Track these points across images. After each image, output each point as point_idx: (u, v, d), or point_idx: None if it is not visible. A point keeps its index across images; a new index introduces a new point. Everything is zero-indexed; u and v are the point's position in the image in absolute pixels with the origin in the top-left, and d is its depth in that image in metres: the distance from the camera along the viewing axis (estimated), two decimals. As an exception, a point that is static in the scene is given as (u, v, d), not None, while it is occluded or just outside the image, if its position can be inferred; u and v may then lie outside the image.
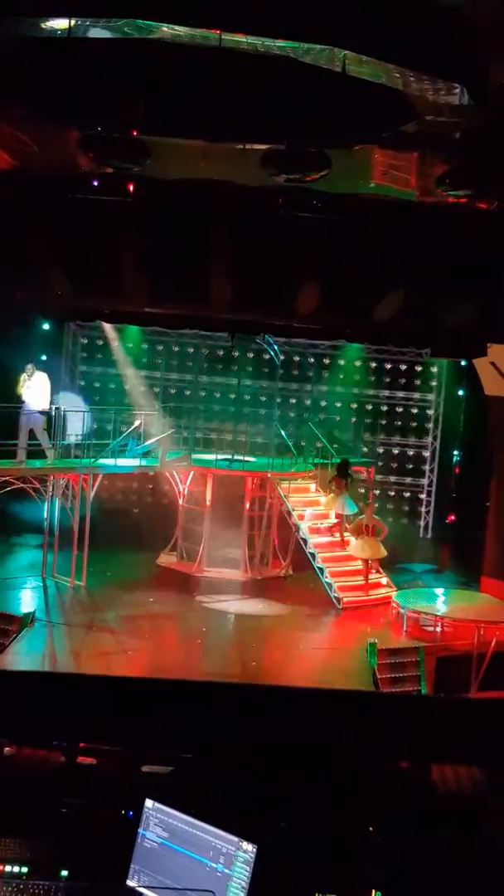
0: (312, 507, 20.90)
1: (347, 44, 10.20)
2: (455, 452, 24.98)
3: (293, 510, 20.25)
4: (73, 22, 10.34)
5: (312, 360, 25.52)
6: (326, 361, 25.52)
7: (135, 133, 12.20)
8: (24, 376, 19.09)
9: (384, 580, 19.78)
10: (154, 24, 10.41)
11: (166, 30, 10.83)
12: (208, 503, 20.67)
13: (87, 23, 10.75)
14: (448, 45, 10.02)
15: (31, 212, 14.73)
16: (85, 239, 15.00)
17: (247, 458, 21.96)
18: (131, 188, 13.98)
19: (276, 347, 23.38)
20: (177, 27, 10.66)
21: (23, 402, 18.96)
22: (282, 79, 11.19)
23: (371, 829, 5.32)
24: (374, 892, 4.95)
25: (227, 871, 4.81)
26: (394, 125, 11.83)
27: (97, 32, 11.14)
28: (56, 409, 20.17)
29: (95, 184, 13.96)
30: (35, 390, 19.12)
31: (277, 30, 10.28)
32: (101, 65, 11.14)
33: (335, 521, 20.50)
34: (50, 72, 11.15)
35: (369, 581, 19.40)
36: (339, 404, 25.52)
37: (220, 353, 25.01)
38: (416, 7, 9.86)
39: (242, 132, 12.28)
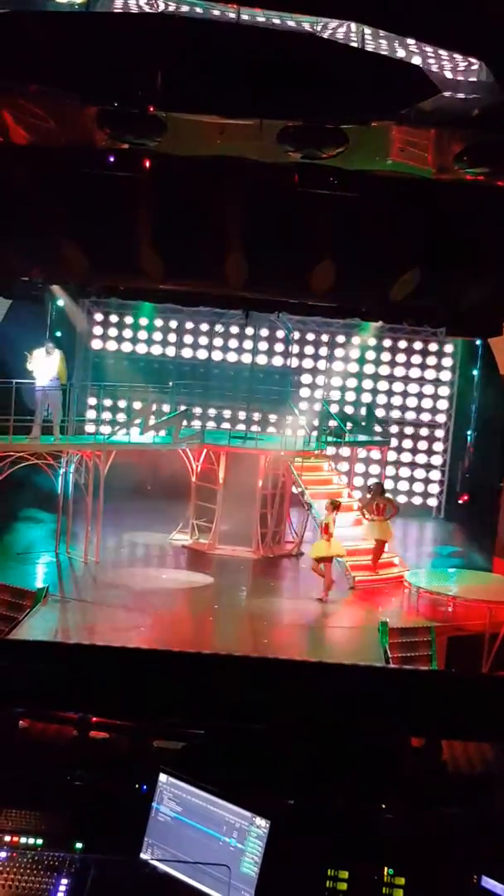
0: (325, 485, 20.88)
1: (365, 18, 10.11)
2: (469, 432, 24.94)
3: (306, 489, 20.23)
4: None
5: (327, 338, 25.47)
6: (341, 340, 25.48)
7: (151, 109, 12.13)
8: (37, 352, 19.07)
9: (396, 559, 19.76)
10: (171, -1, 10.38)
11: (183, 3, 10.77)
12: (221, 481, 20.67)
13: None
14: (467, 20, 9.92)
15: (48, 188, 14.71)
16: (101, 215, 14.97)
17: (260, 436, 21.95)
18: (147, 164, 13.93)
19: (289, 325, 23.34)
20: (194, 1, 10.60)
21: (33, 377, 18.94)
22: (299, 54, 11.11)
23: (383, 805, 5.35)
24: (386, 868, 4.97)
25: (240, 845, 4.84)
26: (411, 101, 11.73)
27: (114, 6, 11.09)
28: (70, 385, 20.19)
29: (111, 159, 13.91)
30: (53, 367, 19.12)
31: (295, 4, 10.19)
32: (118, 40, 11.08)
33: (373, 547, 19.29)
34: (66, 47, 11.09)
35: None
36: (353, 383, 25.48)
37: (234, 330, 24.97)
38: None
39: (259, 108, 12.20)
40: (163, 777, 5.17)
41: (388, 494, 19.81)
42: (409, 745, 6.60)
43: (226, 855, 4.85)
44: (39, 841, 5.22)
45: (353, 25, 10.42)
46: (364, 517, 19.31)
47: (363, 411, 24.90)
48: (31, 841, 5.22)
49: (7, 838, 5.23)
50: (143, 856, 5.07)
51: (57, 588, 16.91)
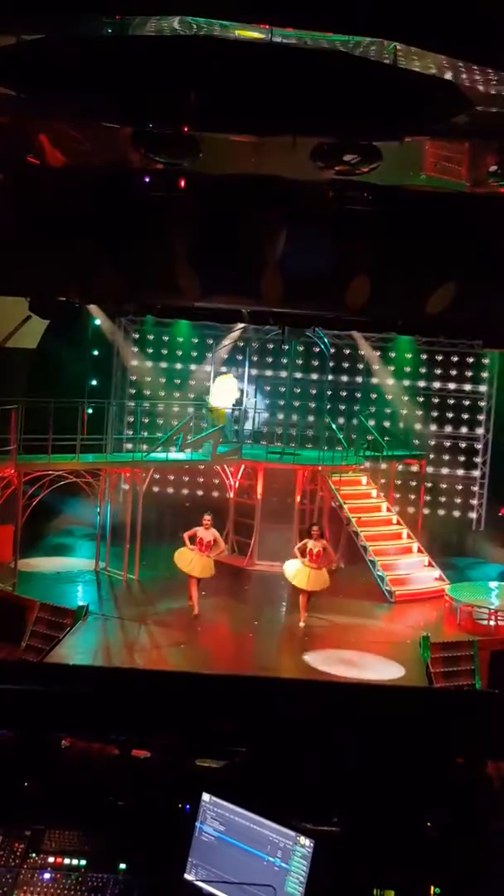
0: (363, 499, 20.85)
1: (397, 36, 10.13)
2: (507, 444, 24.80)
3: (344, 503, 20.20)
4: (123, 19, 10.39)
5: (363, 352, 25.45)
6: (377, 354, 25.44)
7: (185, 129, 12.21)
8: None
9: (437, 573, 19.67)
10: (204, 21, 10.42)
11: (216, 26, 10.83)
12: (259, 497, 20.69)
13: (137, 20, 10.79)
14: (499, 34, 9.91)
15: (84, 208, 14.83)
16: (136, 234, 15.07)
17: (297, 452, 21.97)
18: (182, 183, 14.02)
19: (326, 340, 23.34)
20: (227, 23, 10.65)
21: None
22: (331, 72, 11.14)
23: (429, 824, 5.32)
24: (432, 888, 4.95)
25: (284, 865, 4.83)
26: (445, 117, 11.73)
27: (147, 29, 11.18)
28: (108, 403, 20.34)
29: (147, 180, 14.01)
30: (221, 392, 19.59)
31: (326, 24, 10.23)
32: (152, 62, 11.17)
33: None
34: (101, 70, 11.19)
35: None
36: (390, 397, 25.43)
37: (271, 346, 25.02)
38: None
39: (292, 126, 12.24)
40: (206, 796, 5.18)
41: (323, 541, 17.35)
42: (454, 764, 6.56)
43: (270, 875, 4.84)
44: (83, 862, 5.23)
45: (385, 43, 10.43)
46: (301, 561, 17.01)
47: (401, 425, 24.84)
48: (76, 862, 5.23)
49: (51, 859, 5.25)
50: (187, 876, 5.08)
51: (97, 606, 16.99)
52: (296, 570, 16.95)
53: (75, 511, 20.82)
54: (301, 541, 17.48)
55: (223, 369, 20.17)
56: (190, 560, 16.97)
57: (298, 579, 16.86)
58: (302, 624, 16.77)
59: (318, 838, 4.81)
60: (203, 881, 5.01)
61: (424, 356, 25.41)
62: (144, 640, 15.66)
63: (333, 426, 23.00)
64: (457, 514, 25.26)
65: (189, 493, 24.88)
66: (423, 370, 25.51)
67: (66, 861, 5.24)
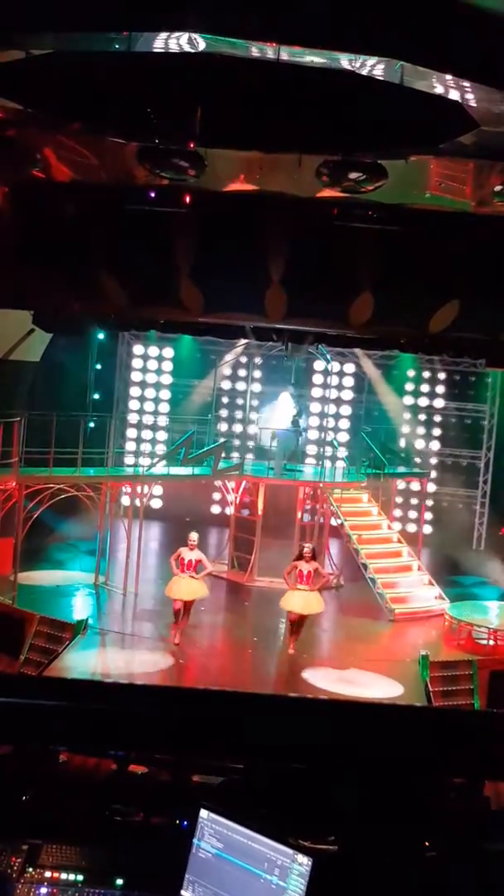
0: (364, 517, 20.84)
1: (404, 55, 10.18)
2: (509, 463, 24.80)
3: (345, 521, 20.19)
4: (130, 35, 10.44)
5: (366, 369, 25.47)
6: (380, 371, 25.47)
7: (191, 145, 12.26)
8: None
9: (437, 592, 19.64)
10: (211, 38, 10.47)
11: (223, 42, 10.88)
12: (260, 512, 20.68)
13: (144, 36, 10.85)
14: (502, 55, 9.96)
15: (89, 223, 14.90)
16: (141, 249, 15.14)
17: (298, 468, 21.97)
18: (187, 199, 14.08)
19: (328, 357, 23.39)
20: (234, 40, 10.71)
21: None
22: (337, 90, 11.19)
23: (426, 843, 5.30)
24: (429, 907, 4.93)
25: (282, 883, 4.81)
26: (451, 136, 11.78)
27: (155, 46, 11.23)
28: (110, 417, 20.37)
29: (152, 195, 14.07)
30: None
31: (334, 42, 10.28)
32: (158, 78, 11.23)
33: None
34: (107, 86, 11.25)
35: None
36: (392, 414, 25.45)
37: (274, 362, 25.06)
38: (472, 17, 9.83)
39: (298, 143, 12.30)
40: (203, 813, 5.16)
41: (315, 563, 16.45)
42: (452, 781, 6.53)
43: (267, 893, 4.82)
44: (80, 877, 5.20)
45: (392, 62, 10.49)
46: (288, 584, 16.37)
47: (402, 443, 24.86)
48: (72, 877, 5.20)
49: (48, 874, 5.22)
50: (183, 893, 5.05)
51: (96, 620, 16.96)
52: (286, 596, 16.27)
53: (75, 525, 20.81)
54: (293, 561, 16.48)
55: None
56: (171, 585, 16.28)
57: (290, 603, 16.11)
58: (291, 651, 16.05)
59: (315, 856, 4.78)
60: (200, 898, 4.99)
61: (427, 374, 25.44)
62: (143, 654, 15.61)
63: (335, 443, 23.01)
64: (458, 532, 25.23)
65: (190, 509, 24.87)
66: (425, 388, 25.54)
67: (63, 876, 5.21)
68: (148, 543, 19.66)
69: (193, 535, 16.45)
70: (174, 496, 24.23)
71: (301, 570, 16.07)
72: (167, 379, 25.96)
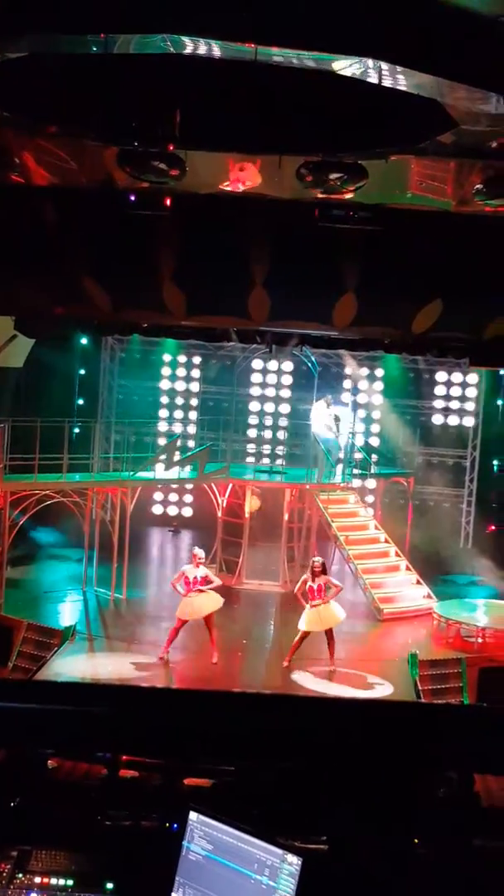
0: (351, 518, 20.84)
1: (382, 55, 10.18)
2: (495, 462, 24.82)
3: (332, 521, 20.19)
4: (107, 37, 10.41)
5: (350, 371, 25.49)
6: (364, 372, 25.50)
7: (171, 147, 12.23)
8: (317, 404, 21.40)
9: (425, 591, 19.66)
10: (189, 39, 10.46)
11: (201, 43, 10.86)
12: (247, 515, 20.67)
13: (122, 38, 10.82)
14: (484, 53, 9.97)
15: (70, 227, 14.86)
16: (123, 253, 15.10)
17: (285, 470, 21.97)
18: (168, 202, 14.05)
19: (313, 359, 23.39)
20: (211, 41, 10.69)
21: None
22: (316, 90, 11.18)
23: (416, 840, 5.29)
24: (420, 904, 4.92)
25: (272, 883, 4.79)
26: (430, 135, 11.78)
27: (132, 48, 11.21)
28: (95, 422, 20.34)
29: (132, 198, 14.04)
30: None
31: (312, 43, 10.28)
32: (136, 80, 11.20)
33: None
34: (84, 88, 11.22)
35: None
36: (377, 415, 25.47)
37: (258, 364, 25.06)
38: (451, 16, 9.84)
39: (278, 144, 12.28)
40: (193, 815, 5.13)
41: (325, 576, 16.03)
42: (442, 778, 6.53)
43: (258, 893, 4.80)
44: (70, 882, 5.18)
45: (370, 61, 10.48)
46: (304, 602, 16.13)
47: (388, 443, 24.87)
48: (62, 882, 5.18)
49: (38, 880, 5.20)
50: (174, 895, 5.03)
51: (84, 626, 16.91)
52: (302, 616, 15.77)
53: (62, 530, 20.76)
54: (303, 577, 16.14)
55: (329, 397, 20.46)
56: (182, 608, 15.60)
57: (306, 623, 15.63)
58: (286, 664, 15.68)
59: (305, 856, 4.76)
60: (190, 900, 4.96)
61: (411, 374, 25.47)
62: (132, 659, 15.58)
63: (321, 444, 23.01)
64: (445, 531, 25.24)
65: (177, 514, 24.84)
66: (410, 388, 25.57)
67: (53, 881, 5.19)
68: (134, 548, 19.61)
69: (199, 552, 15.95)
70: (161, 501, 24.19)
71: (311, 586, 15.73)
72: (151, 383, 25.87)
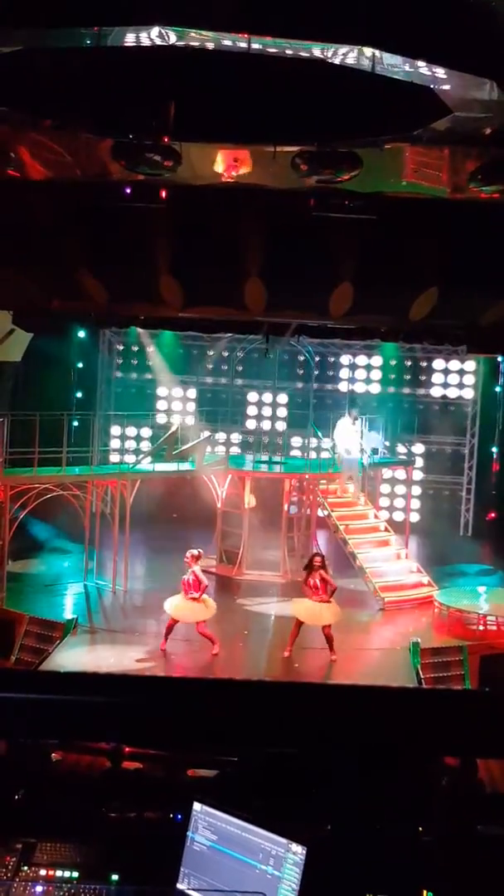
0: (350, 507, 20.85)
1: (375, 43, 10.17)
2: (493, 449, 24.80)
3: (332, 511, 20.19)
4: (101, 30, 10.39)
5: (347, 360, 25.47)
6: (362, 361, 25.47)
7: (165, 140, 12.22)
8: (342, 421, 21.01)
9: (425, 579, 19.66)
10: (181, 31, 10.44)
11: (194, 35, 10.85)
12: (246, 506, 20.67)
13: (115, 31, 10.80)
14: (476, 40, 9.97)
15: (66, 221, 14.85)
16: (119, 246, 15.09)
17: (284, 460, 21.96)
18: (163, 194, 14.04)
19: (310, 348, 23.36)
20: (204, 32, 10.68)
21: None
22: (310, 80, 11.17)
23: (420, 828, 5.31)
24: (425, 892, 4.93)
25: (277, 873, 4.81)
26: (424, 122, 11.77)
27: (125, 40, 11.20)
28: (93, 415, 20.34)
29: (128, 191, 14.03)
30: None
31: (304, 31, 10.27)
32: (130, 73, 11.19)
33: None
34: (79, 82, 11.21)
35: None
36: (375, 404, 25.45)
37: (255, 355, 25.04)
38: (443, 2, 9.84)
39: (272, 134, 12.27)
40: (197, 806, 5.15)
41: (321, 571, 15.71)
42: (445, 765, 6.55)
43: (263, 883, 4.82)
44: (75, 874, 5.20)
45: (364, 50, 10.47)
46: (306, 595, 15.73)
47: (387, 432, 24.83)
48: (67, 874, 5.20)
49: (43, 872, 5.21)
50: (179, 886, 5.05)
51: (86, 618, 16.92)
52: (299, 605, 15.79)
53: (62, 523, 20.75)
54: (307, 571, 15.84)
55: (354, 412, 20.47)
56: (171, 601, 15.50)
57: (294, 609, 15.74)
58: (286, 654, 15.57)
59: (309, 845, 4.78)
60: (195, 890, 4.98)
61: (409, 362, 25.44)
62: (134, 651, 15.60)
63: (319, 434, 22.99)
64: (444, 519, 25.25)
65: (176, 505, 24.82)
66: (407, 376, 25.54)
67: (58, 873, 5.21)
68: (135, 540, 19.62)
69: (188, 553, 15.61)
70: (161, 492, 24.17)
71: (310, 580, 15.58)
72: (149, 375, 25.83)
